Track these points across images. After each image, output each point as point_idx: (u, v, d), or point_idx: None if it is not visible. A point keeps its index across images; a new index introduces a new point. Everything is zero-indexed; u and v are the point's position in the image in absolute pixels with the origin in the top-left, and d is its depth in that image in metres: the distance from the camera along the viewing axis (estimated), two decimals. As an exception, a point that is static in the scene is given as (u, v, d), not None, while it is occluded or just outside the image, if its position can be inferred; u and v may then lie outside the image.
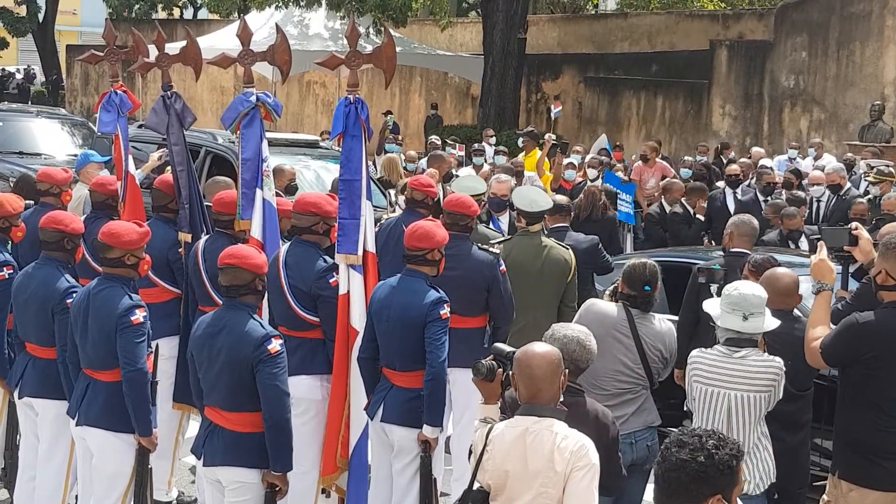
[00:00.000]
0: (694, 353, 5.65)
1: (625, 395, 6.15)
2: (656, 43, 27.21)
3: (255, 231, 6.73)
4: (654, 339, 6.18)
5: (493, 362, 4.79)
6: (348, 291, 6.35)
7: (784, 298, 5.88)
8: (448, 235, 6.37)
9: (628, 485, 6.18)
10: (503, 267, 7.15)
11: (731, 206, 12.38)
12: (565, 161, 14.40)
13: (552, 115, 16.58)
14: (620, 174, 14.73)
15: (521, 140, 16.38)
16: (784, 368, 5.43)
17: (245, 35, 6.92)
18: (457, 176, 12.45)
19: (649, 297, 6.21)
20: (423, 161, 16.26)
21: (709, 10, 29.67)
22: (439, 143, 17.58)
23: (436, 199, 7.78)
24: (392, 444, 6.20)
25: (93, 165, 9.97)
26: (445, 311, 6.05)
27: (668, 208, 12.41)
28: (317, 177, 11.96)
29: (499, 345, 4.91)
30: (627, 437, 6.06)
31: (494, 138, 18.65)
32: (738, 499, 5.28)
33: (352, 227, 6.35)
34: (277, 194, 7.33)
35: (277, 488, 5.58)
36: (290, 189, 9.74)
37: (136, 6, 43.24)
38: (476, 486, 4.55)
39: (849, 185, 13.07)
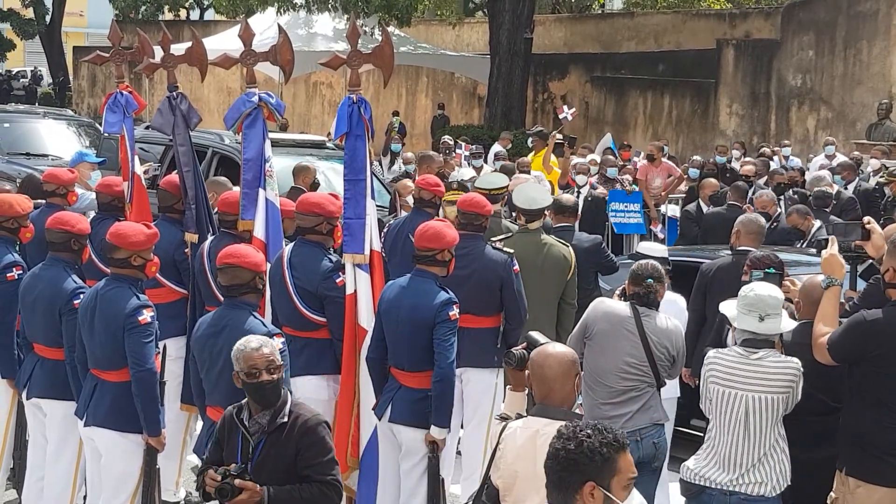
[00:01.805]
0: (710, 353, 5.61)
1: (630, 392, 6.13)
2: (663, 42, 27.21)
3: (259, 231, 6.73)
4: (661, 336, 6.18)
5: (525, 351, 4.81)
6: (355, 291, 6.34)
7: None
8: (459, 236, 6.36)
9: (637, 483, 6.17)
10: (517, 267, 7.11)
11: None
12: (574, 160, 14.37)
13: (561, 117, 16.55)
14: (627, 177, 14.66)
15: (530, 140, 16.36)
16: (802, 370, 5.39)
17: (247, 35, 6.92)
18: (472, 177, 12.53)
19: (652, 289, 6.21)
20: None
21: (715, 9, 29.68)
22: (452, 142, 17.55)
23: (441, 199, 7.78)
24: (400, 444, 6.20)
25: (85, 165, 9.97)
26: (454, 312, 6.05)
27: (704, 207, 12.45)
28: (325, 179, 11.95)
29: (533, 334, 4.92)
30: (633, 434, 6.03)
31: (511, 144, 18.50)
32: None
33: (357, 226, 6.35)
34: (302, 191, 7.31)
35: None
36: (314, 186, 9.82)
37: (143, 7, 43.30)
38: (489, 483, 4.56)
39: (837, 189, 12.86)
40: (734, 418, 5.38)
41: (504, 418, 4.68)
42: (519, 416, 4.56)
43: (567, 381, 4.42)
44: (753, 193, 12.87)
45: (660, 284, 6.29)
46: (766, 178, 14.18)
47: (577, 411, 4.51)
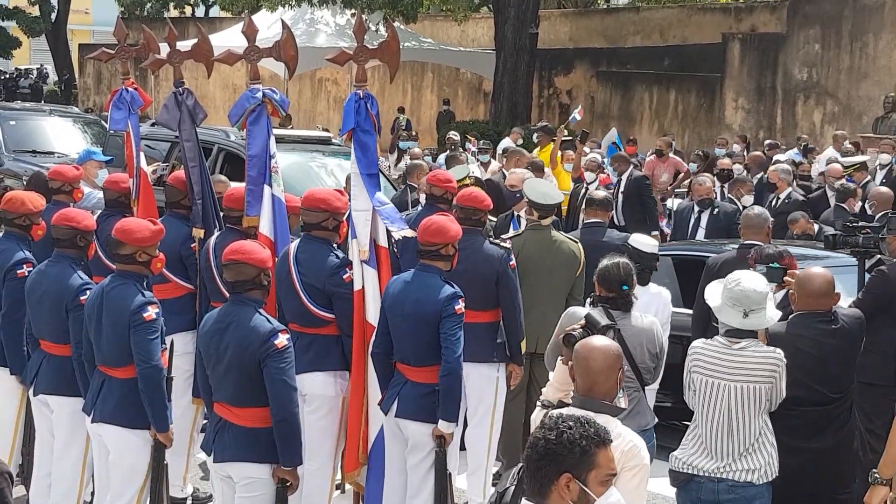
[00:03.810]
0: (694, 343, 5.58)
1: None
2: (668, 37, 27.17)
3: (265, 228, 6.73)
4: (639, 336, 5.99)
5: (584, 330, 4.81)
6: (363, 287, 6.35)
7: (819, 300, 5.74)
8: (462, 230, 6.35)
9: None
10: (513, 262, 7.12)
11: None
12: (586, 156, 14.35)
13: (570, 119, 16.50)
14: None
15: (535, 135, 16.35)
16: (784, 360, 5.36)
17: (251, 31, 6.92)
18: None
19: (628, 297, 6.02)
20: (442, 157, 16.28)
21: (721, 3, 29.62)
22: (457, 138, 17.54)
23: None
24: (406, 439, 6.20)
25: (93, 163, 9.97)
26: (460, 306, 6.05)
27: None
28: (331, 175, 11.94)
29: (593, 313, 4.92)
30: None
31: (521, 139, 18.46)
32: (721, 487, 5.22)
33: (361, 219, 6.36)
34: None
35: (288, 483, 5.57)
36: None
37: (148, 5, 43.32)
38: None
39: (789, 189, 12.61)
40: (718, 409, 5.36)
41: (546, 406, 4.65)
42: (562, 404, 4.53)
43: (611, 375, 4.39)
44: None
45: (632, 288, 6.07)
46: (762, 173, 14.10)
47: (622, 405, 4.45)
